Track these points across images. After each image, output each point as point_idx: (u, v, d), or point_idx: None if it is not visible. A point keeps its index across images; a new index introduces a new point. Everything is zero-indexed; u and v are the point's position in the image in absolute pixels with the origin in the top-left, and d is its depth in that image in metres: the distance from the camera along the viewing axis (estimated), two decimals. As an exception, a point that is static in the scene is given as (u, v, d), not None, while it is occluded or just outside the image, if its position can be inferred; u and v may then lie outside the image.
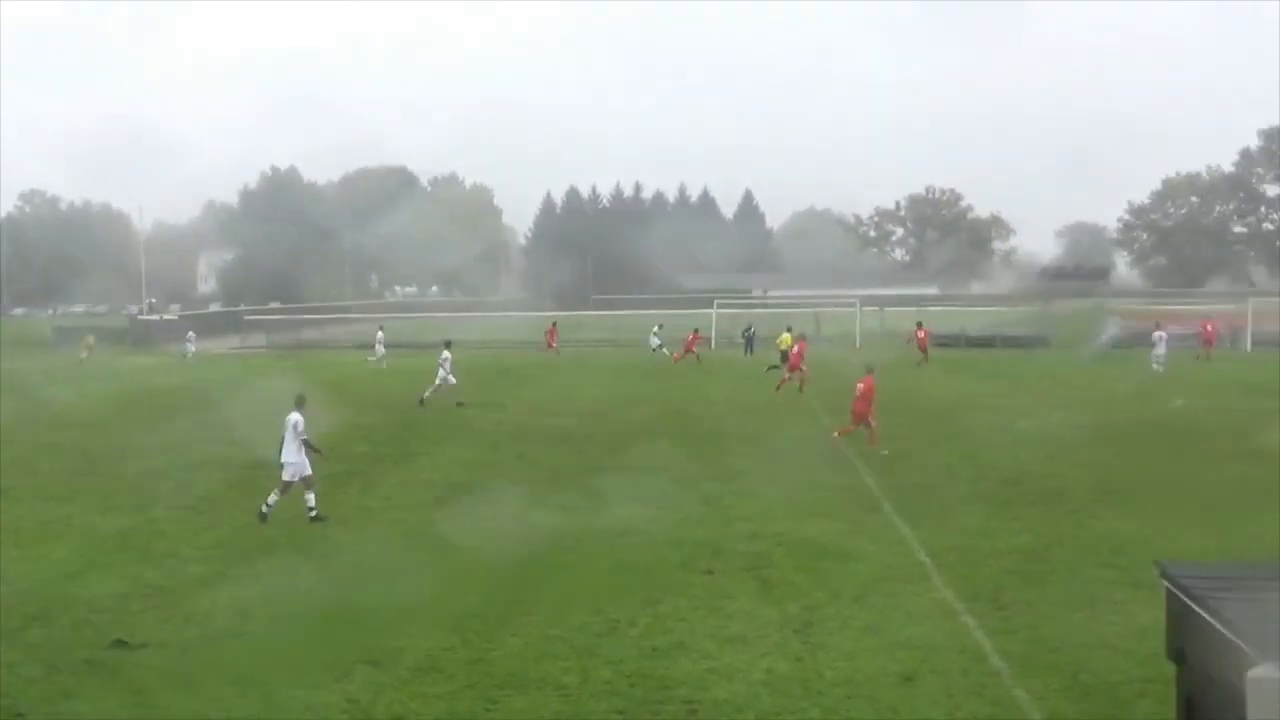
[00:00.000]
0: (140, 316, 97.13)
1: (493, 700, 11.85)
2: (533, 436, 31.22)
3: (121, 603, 15.48)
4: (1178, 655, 6.78)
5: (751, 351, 62.04)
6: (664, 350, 61.19)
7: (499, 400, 39.75)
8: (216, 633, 14.21)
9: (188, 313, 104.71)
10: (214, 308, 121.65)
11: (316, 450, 20.78)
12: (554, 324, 65.59)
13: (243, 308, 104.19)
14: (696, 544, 18.37)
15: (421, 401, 38.29)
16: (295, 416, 20.62)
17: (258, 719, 11.51)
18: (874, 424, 28.22)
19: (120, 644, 13.62)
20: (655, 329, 63.48)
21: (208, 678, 12.52)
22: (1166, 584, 6.90)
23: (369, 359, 60.21)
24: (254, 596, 15.68)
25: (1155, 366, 49.14)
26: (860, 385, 28.44)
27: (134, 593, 16.02)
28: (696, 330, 61.99)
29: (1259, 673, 4.41)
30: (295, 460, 20.39)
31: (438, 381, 38.95)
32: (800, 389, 40.91)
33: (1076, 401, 38.35)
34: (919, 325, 58.84)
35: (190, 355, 67.36)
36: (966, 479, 24.02)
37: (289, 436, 20.44)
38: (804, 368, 42.32)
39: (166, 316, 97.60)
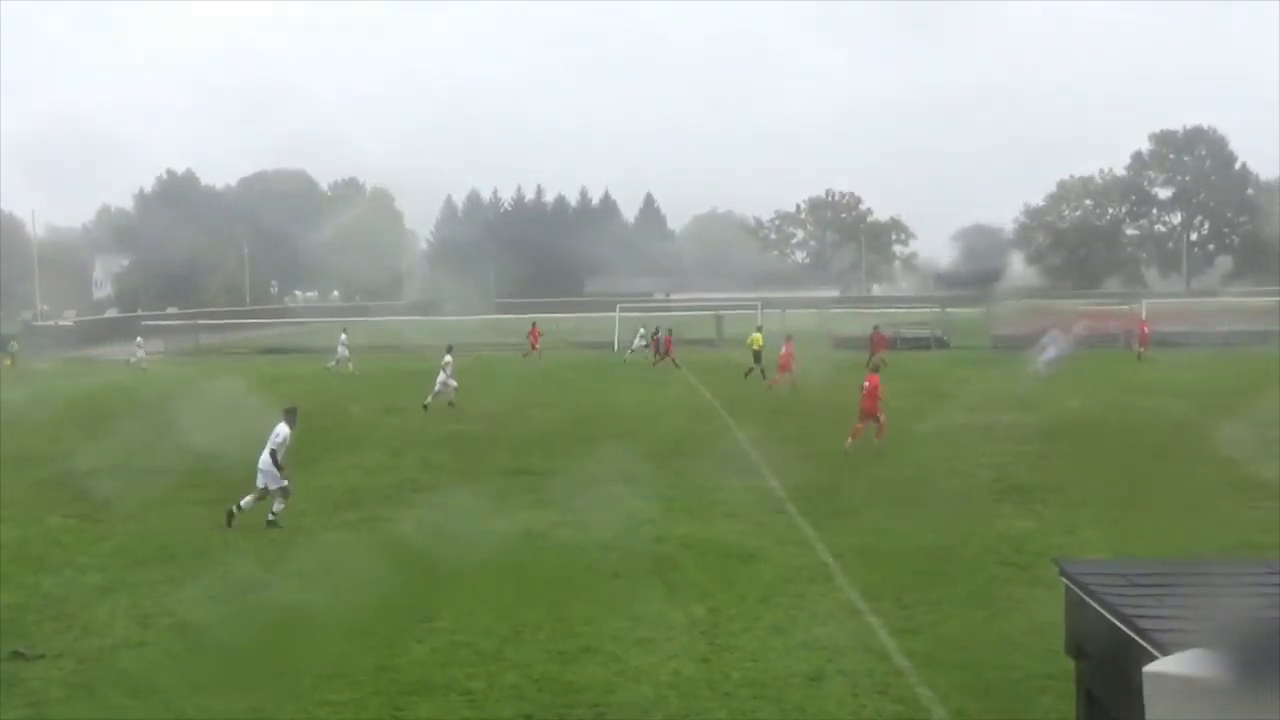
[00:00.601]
0: (35, 323, 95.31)
1: (399, 707, 11.79)
2: (436, 441, 31.07)
3: (17, 614, 15.20)
4: (1077, 651, 6.91)
5: (660, 355, 62.06)
6: (645, 350, 60.76)
7: (401, 405, 39.51)
8: (116, 643, 14.00)
9: (84, 318, 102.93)
10: (111, 313, 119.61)
11: (279, 467, 20.72)
12: (534, 324, 65.00)
13: (140, 313, 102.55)
14: (602, 547, 18.39)
15: (425, 407, 38.02)
16: (281, 428, 21.06)
17: (160, 730, 11.38)
18: (882, 419, 28.54)
19: (18, 655, 13.37)
20: (640, 331, 62.68)
21: (108, 688, 12.35)
22: (1066, 581, 7.04)
23: (329, 364, 58.38)
24: (154, 605, 15.48)
25: (1042, 369, 49.21)
26: (866, 384, 28.71)
27: (30, 604, 15.74)
28: (670, 331, 60.60)
29: (1156, 667, 4.52)
30: (268, 469, 20.66)
31: (438, 386, 38.67)
32: (778, 389, 42.48)
33: (976, 403, 38.83)
34: (876, 329, 58.72)
35: (139, 360, 64.40)
36: (869, 480, 24.24)
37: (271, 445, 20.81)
38: (794, 368, 43.46)
39: (62, 322, 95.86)
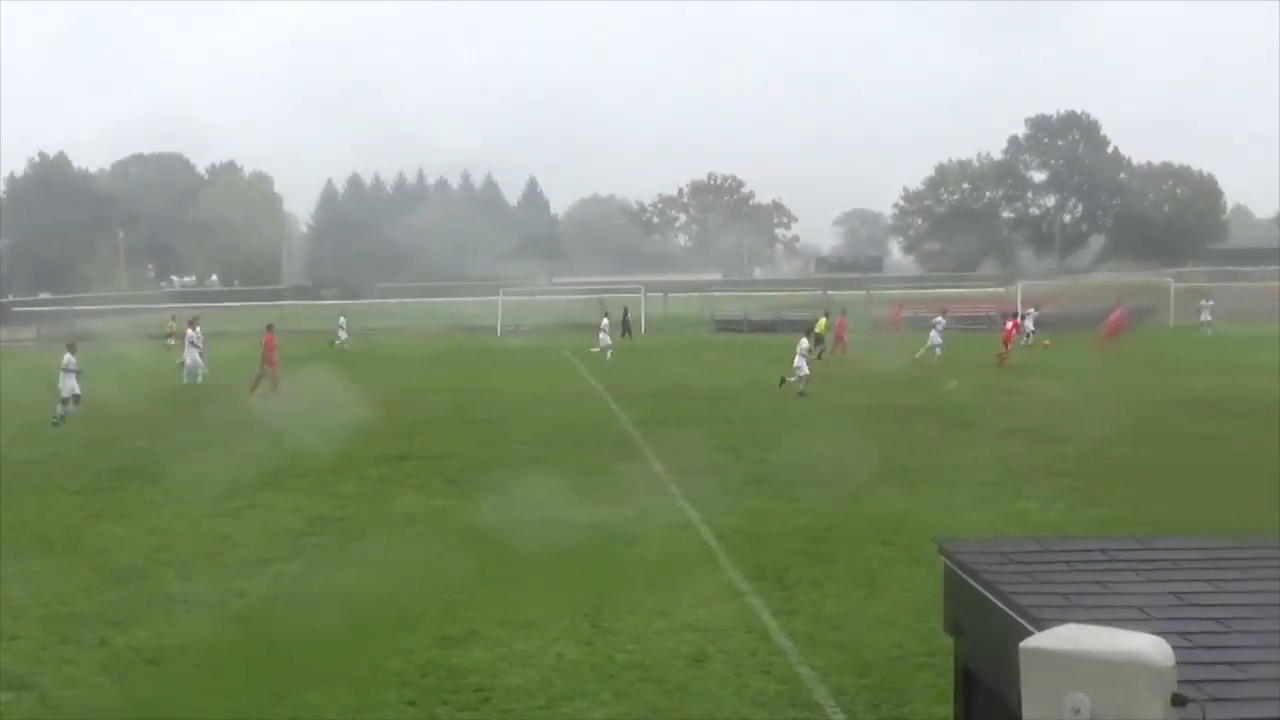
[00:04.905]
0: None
1: (281, 695, 11.63)
2: (318, 427, 30.63)
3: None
4: (955, 629, 7.01)
5: (628, 334, 62.25)
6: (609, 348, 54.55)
7: (282, 391, 39.02)
8: (-13, 636, 13.67)
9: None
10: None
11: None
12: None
13: (10, 299, 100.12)
14: (485, 532, 18.30)
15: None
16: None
17: (33, 723, 11.14)
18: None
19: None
20: (605, 321, 58.09)
21: (-22, 683, 12.04)
22: (944, 560, 7.14)
23: (335, 343, 63.35)
24: (26, 595, 15.11)
25: (936, 352, 49.97)
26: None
27: (-104, 597, 15.32)
28: (844, 312, 58.77)
29: (1031, 643, 4.60)
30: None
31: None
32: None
33: (857, 385, 39.30)
34: (842, 312, 58.15)
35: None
36: (751, 462, 24.41)
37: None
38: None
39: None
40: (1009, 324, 50.67)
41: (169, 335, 63.07)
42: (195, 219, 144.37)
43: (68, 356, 32.98)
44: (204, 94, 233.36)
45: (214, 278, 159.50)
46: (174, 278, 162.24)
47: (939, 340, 50.76)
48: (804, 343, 38.16)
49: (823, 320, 54.34)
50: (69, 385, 32.56)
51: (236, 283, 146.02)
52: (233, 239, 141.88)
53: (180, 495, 21.60)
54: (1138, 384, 37.69)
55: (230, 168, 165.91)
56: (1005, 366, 45.05)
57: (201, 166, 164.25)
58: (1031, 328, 55.94)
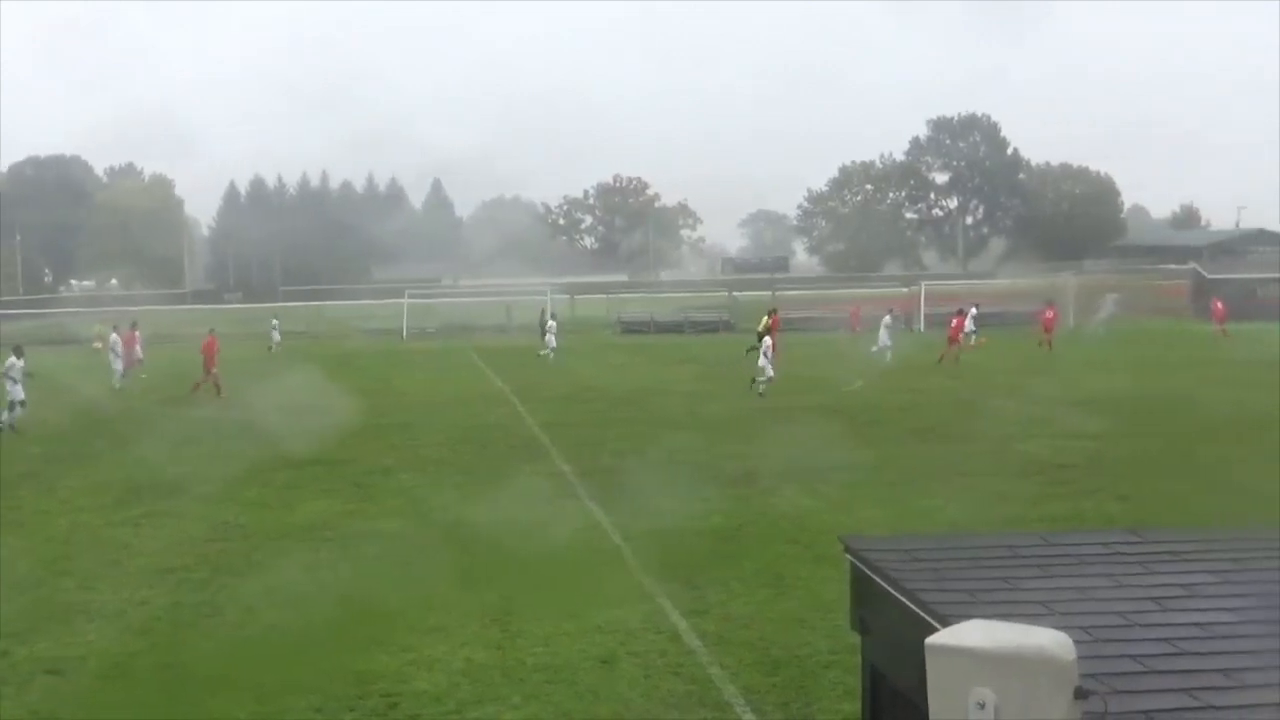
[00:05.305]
0: None
1: (184, 704, 11.49)
2: (223, 432, 30.34)
3: None
4: (861, 626, 7.06)
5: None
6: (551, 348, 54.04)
7: (180, 396, 38.50)
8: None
9: None
10: None
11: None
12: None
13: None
14: (392, 536, 18.22)
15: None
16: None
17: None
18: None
19: None
20: (550, 323, 56.95)
21: None
22: (850, 558, 7.19)
23: (269, 348, 62.98)
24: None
25: (886, 356, 49.34)
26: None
27: None
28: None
29: (936, 639, 4.64)
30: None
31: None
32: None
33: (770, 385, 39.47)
34: (772, 312, 57.56)
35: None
36: (658, 463, 24.43)
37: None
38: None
39: None
40: (954, 321, 50.18)
41: (95, 339, 61.31)
42: (93, 223, 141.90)
43: (12, 360, 32.28)
44: (107, 95, 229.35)
45: (114, 281, 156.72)
46: (73, 282, 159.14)
47: (888, 341, 50.40)
48: (767, 341, 38.13)
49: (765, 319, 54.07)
50: (15, 391, 31.85)
51: (138, 286, 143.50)
52: (132, 242, 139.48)
53: (79, 504, 21.25)
54: (1041, 382, 38.19)
55: (129, 170, 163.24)
56: (953, 364, 45.39)
57: (100, 169, 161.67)
58: (972, 326, 55.47)
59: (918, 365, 45.01)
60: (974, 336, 53.60)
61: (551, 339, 54.82)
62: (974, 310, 55.03)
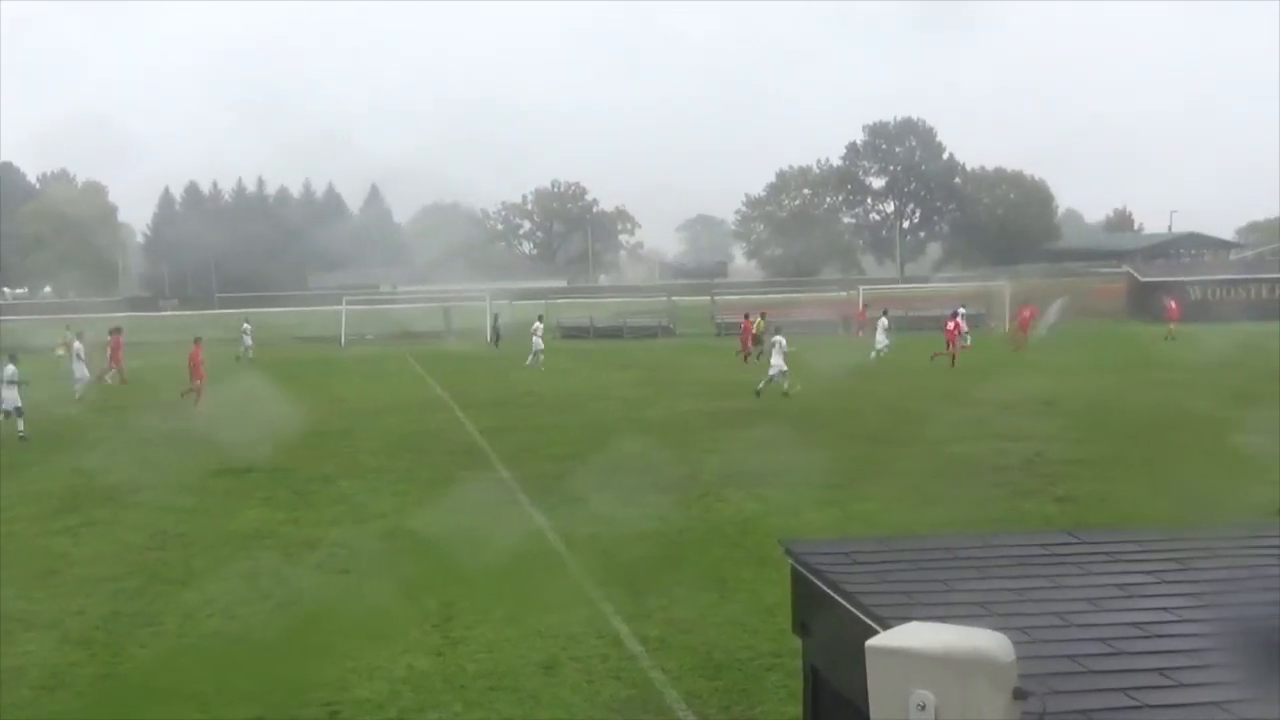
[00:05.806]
0: None
1: (126, 715, 11.39)
2: (158, 441, 30.07)
3: None
4: (802, 629, 7.09)
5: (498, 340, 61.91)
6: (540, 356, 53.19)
7: (116, 404, 38.11)
8: None
9: None
10: None
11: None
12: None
13: None
14: (331, 544, 18.11)
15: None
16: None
17: None
18: None
19: None
20: (538, 328, 56.09)
21: None
22: (791, 561, 7.22)
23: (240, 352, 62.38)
24: None
25: (876, 354, 49.44)
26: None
27: None
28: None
29: (876, 641, 4.68)
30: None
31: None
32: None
33: (703, 390, 39.58)
34: (746, 316, 57.68)
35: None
36: (599, 468, 24.40)
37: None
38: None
39: None
40: (950, 324, 49.84)
41: (59, 345, 60.40)
42: (25, 230, 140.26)
43: (10, 368, 31.87)
44: (39, 101, 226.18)
45: (47, 289, 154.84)
46: (5, 290, 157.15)
47: (885, 341, 50.43)
48: (781, 340, 38.21)
49: (759, 320, 54.53)
50: (10, 398, 31.46)
51: (72, 294, 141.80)
52: (66, 250, 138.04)
53: (15, 513, 20.99)
54: (976, 385, 38.47)
55: (62, 176, 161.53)
56: (950, 367, 45.75)
57: (33, 175, 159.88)
58: (965, 327, 55.40)
59: (861, 370, 45.27)
60: (968, 337, 53.86)
61: (538, 340, 54.36)
62: (962, 310, 55.29)
